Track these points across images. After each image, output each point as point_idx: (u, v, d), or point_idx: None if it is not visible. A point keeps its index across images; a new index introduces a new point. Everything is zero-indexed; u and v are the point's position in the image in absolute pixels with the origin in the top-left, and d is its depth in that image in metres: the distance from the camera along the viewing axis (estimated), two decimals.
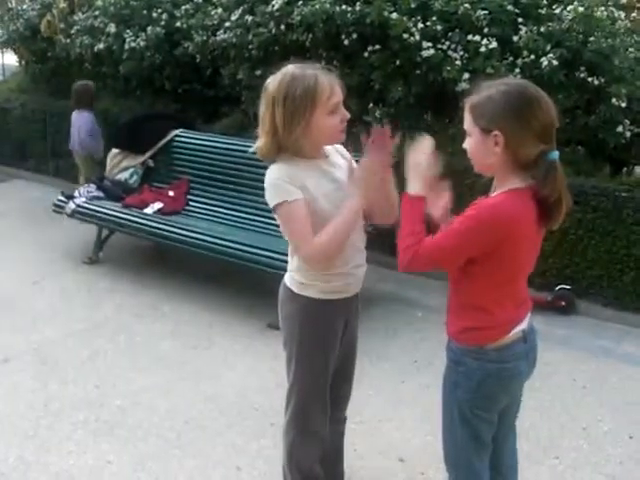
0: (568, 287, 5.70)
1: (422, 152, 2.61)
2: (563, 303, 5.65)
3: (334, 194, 2.81)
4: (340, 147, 3.01)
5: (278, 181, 2.77)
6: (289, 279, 3.00)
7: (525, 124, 2.38)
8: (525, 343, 2.61)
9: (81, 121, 7.62)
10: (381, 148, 2.73)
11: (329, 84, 2.72)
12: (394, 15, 6.13)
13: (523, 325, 2.61)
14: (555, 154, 2.42)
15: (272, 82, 2.77)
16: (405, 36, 6.09)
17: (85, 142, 7.61)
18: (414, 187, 2.57)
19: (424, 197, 2.56)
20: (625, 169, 6.43)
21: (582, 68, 5.79)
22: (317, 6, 6.41)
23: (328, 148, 2.94)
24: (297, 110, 2.69)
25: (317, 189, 2.79)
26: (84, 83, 7.88)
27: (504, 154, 2.41)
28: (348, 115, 2.81)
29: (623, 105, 5.64)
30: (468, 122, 2.50)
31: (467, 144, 2.53)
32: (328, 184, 2.83)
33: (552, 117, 2.42)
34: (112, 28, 8.45)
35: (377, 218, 2.97)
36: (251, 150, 2.92)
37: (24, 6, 10.38)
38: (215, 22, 7.53)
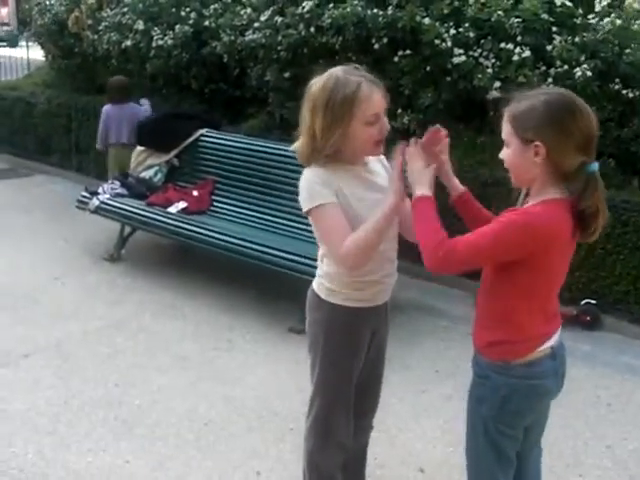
0: (594, 302, 5.62)
1: (418, 157, 2.59)
2: (588, 318, 5.58)
3: (371, 201, 2.76)
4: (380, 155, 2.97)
5: (312, 184, 2.73)
6: (317, 285, 2.95)
7: (567, 135, 2.32)
8: (554, 360, 2.55)
9: (134, 111, 7.67)
10: (433, 145, 2.69)
11: (370, 94, 2.66)
12: (426, 20, 6.11)
13: (552, 341, 2.54)
14: (595, 165, 2.36)
15: (316, 84, 2.72)
16: (437, 42, 6.06)
17: None
18: (420, 189, 2.53)
19: (432, 197, 2.52)
20: None
21: (617, 80, 5.72)
22: (348, 9, 6.41)
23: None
24: (335, 118, 2.64)
25: (353, 195, 2.74)
26: (120, 78, 7.92)
27: (545, 165, 2.35)
28: (388, 127, 2.76)
29: None
30: (507, 132, 2.43)
31: (504, 154, 2.47)
32: (365, 191, 2.78)
33: (594, 128, 2.37)
34: (140, 25, 8.47)
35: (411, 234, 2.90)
36: (290, 149, 2.87)
37: (52, 1, 10.37)
38: (244, 22, 7.53)
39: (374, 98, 2.67)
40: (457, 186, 2.80)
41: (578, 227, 2.40)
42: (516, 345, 2.49)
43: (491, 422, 2.57)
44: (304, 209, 2.76)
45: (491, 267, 2.49)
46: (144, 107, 7.81)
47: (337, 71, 2.72)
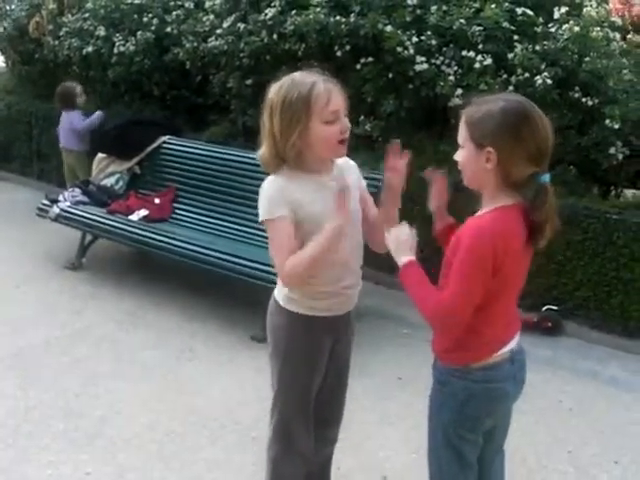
0: (555, 308, 5.66)
1: (399, 231, 2.60)
2: (550, 324, 5.61)
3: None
4: (352, 163, 2.96)
5: (268, 196, 2.72)
6: (278, 292, 2.94)
7: (520, 144, 2.33)
8: (512, 364, 2.56)
9: (70, 119, 7.64)
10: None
11: (327, 92, 2.66)
12: (388, 28, 6.12)
13: (511, 345, 2.55)
14: (546, 177, 2.37)
15: (273, 88, 2.73)
16: (399, 49, 6.07)
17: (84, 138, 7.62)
18: (403, 258, 2.54)
19: (415, 260, 2.53)
20: (614, 191, 6.43)
21: (576, 88, 5.79)
22: (311, 16, 6.40)
23: (337, 162, 2.88)
24: (293, 116, 2.64)
25: (315, 204, 2.72)
26: (64, 85, 7.83)
27: (495, 171, 2.37)
28: (349, 126, 2.75)
29: (617, 127, 5.63)
30: (462, 135, 2.45)
31: (459, 156, 2.48)
32: (329, 199, 2.72)
33: (548, 139, 2.38)
34: (101, 31, 8.41)
35: (375, 244, 2.94)
36: (254, 156, 2.85)
37: (12, 6, 10.28)
38: (206, 29, 7.51)
39: (331, 96, 2.67)
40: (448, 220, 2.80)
41: (529, 234, 2.42)
42: (475, 350, 2.50)
43: (451, 427, 2.58)
44: (259, 219, 2.76)
45: (447, 277, 2.47)
46: (94, 116, 7.64)
47: (294, 74, 2.74)
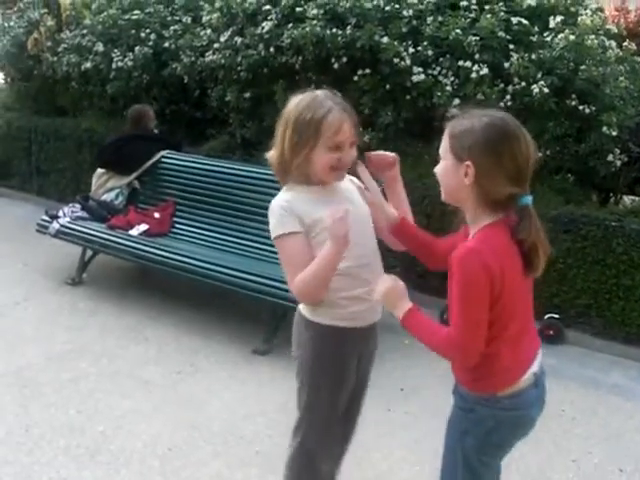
0: (557, 316, 5.66)
1: (384, 284, 2.55)
2: (552, 332, 5.60)
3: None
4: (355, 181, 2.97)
5: (279, 211, 2.73)
6: (303, 306, 2.92)
7: (499, 161, 2.30)
8: (537, 388, 2.54)
9: None
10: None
11: (339, 120, 2.67)
12: (385, 39, 6.14)
13: (534, 367, 2.53)
14: (527, 199, 2.35)
15: (294, 100, 2.75)
16: (396, 60, 6.10)
17: None
18: (399, 309, 2.49)
19: (413, 306, 2.49)
20: (613, 198, 6.44)
21: (573, 96, 5.79)
22: (307, 29, 6.41)
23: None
24: (301, 139, 2.67)
25: (323, 213, 2.71)
26: (138, 107, 7.55)
27: (473, 187, 2.34)
28: (351, 159, 2.76)
29: (614, 134, 5.65)
30: (444, 147, 2.44)
31: (438, 168, 2.47)
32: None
33: (529, 159, 2.35)
34: (100, 47, 8.44)
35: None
36: (267, 156, 2.86)
37: (11, 23, 10.31)
38: (204, 43, 7.54)
39: (342, 126, 2.68)
40: (392, 214, 2.80)
41: (522, 259, 2.38)
42: (499, 376, 2.47)
43: (474, 453, 2.53)
44: (271, 236, 2.76)
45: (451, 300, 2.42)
46: None
47: (317, 92, 2.75)
